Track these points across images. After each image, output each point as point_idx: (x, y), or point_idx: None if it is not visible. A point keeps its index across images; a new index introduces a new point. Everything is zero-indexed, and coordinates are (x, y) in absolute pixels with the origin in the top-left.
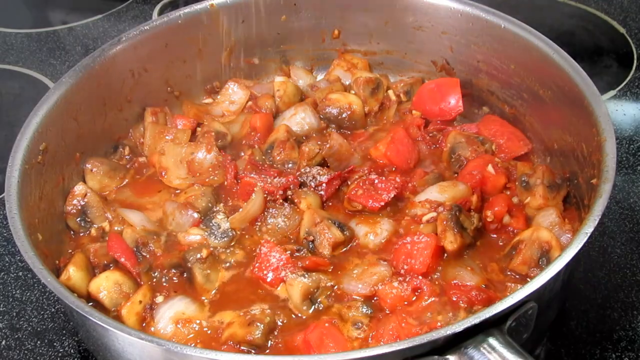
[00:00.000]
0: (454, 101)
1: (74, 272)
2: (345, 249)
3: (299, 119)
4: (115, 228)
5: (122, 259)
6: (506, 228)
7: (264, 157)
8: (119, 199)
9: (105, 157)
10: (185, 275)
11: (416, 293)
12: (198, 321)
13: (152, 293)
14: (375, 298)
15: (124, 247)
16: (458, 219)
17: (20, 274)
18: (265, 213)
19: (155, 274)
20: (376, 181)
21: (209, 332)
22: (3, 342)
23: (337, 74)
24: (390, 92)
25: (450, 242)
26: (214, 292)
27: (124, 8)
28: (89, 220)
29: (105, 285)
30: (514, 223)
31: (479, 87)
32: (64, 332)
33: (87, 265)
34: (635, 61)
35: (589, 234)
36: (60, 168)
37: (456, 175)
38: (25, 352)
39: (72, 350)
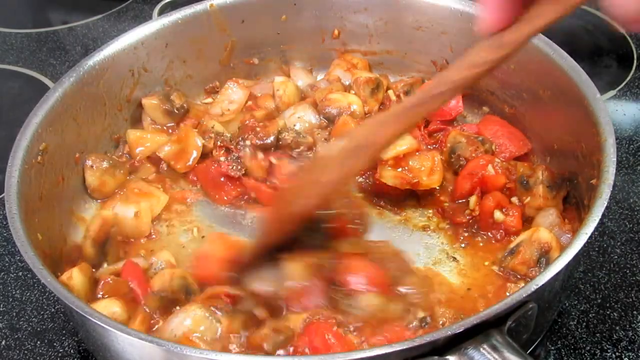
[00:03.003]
0: (454, 101)
1: (77, 275)
2: None
3: (299, 118)
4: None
5: (134, 284)
6: (502, 226)
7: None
8: None
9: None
10: None
11: None
12: None
13: (149, 323)
14: None
15: (139, 274)
16: None
17: (20, 274)
18: None
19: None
20: None
21: None
22: (3, 342)
23: (336, 74)
24: (390, 92)
25: None
26: None
27: (124, 8)
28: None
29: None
30: (509, 221)
31: (478, 87)
32: (64, 332)
33: (91, 275)
34: (635, 61)
35: (589, 234)
36: (60, 168)
37: (456, 175)
38: (25, 352)
39: (72, 350)
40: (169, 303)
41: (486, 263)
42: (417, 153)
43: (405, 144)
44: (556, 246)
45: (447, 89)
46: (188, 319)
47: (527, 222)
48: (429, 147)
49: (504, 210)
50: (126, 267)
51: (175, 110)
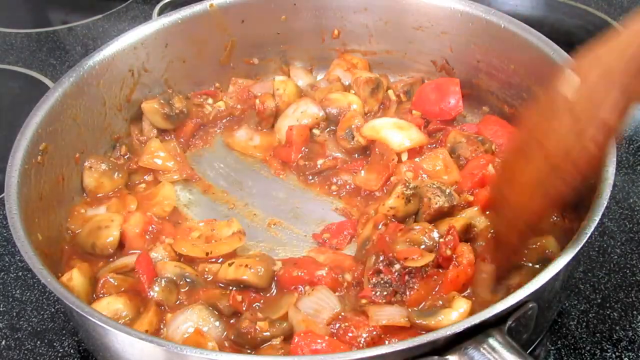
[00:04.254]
0: (454, 101)
1: (76, 275)
2: None
3: (302, 112)
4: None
5: (143, 277)
6: None
7: None
8: None
9: (104, 156)
10: None
11: None
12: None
13: (160, 318)
14: None
15: (151, 266)
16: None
17: (20, 274)
18: None
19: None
20: None
21: None
22: (3, 342)
23: (336, 74)
24: (390, 92)
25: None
26: None
27: (124, 8)
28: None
29: (106, 313)
30: None
31: (478, 87)
32: (64, 332)
33: (91, 275)
34: None
35: (589, 234)
36: (59, 168)
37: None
38: (25, 352)
39: (72, 350)
40: (174, 289)
41: None
42: (424, 156)
43: (413, 138)
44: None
45: None
46: (189, 320)
47: None
48: (428, 146)
49: None
50: (141, 259)
51: (175, 115)
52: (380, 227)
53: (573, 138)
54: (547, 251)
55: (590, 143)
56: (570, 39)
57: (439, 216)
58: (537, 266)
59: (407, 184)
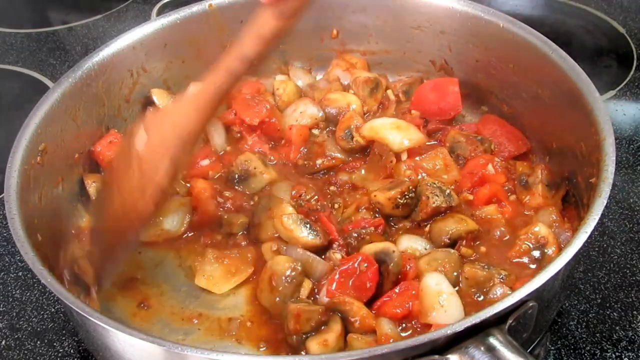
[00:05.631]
0: (453, 101)
1: None
2: None
3: (301, 113)
4: None
5: None
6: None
7: None
8: None
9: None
10: None
11: None
12: None
13: None
14: None
15: None
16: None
17: (20, 274)
18: None
19: None
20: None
21: None
22: (3, 342)
23: (336, 73)
24: (389, 91)
25: None
26: None
27: (123, 8)
28: None
29: None
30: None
31: (477, 86)
32: (64, 332)
33: None
34: (635, 61)
35: (588, 233)
36: (59, 168)
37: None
38: (25, 352)
39: (72, 350)
40: None
41: None
42: (424, 155)
43: (413, 138)
44: (553, 241)
45: (242, 66)
46: None
47: (527, 221)
48: (427, 143)
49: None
50: None
51: None
52: (360, 210)
53: (137, 191)
54: (540, 237)
55: (149, 199)
56: (570, 39)
57: (435, 215)
58: (534, 253)
59: (405, 193)
